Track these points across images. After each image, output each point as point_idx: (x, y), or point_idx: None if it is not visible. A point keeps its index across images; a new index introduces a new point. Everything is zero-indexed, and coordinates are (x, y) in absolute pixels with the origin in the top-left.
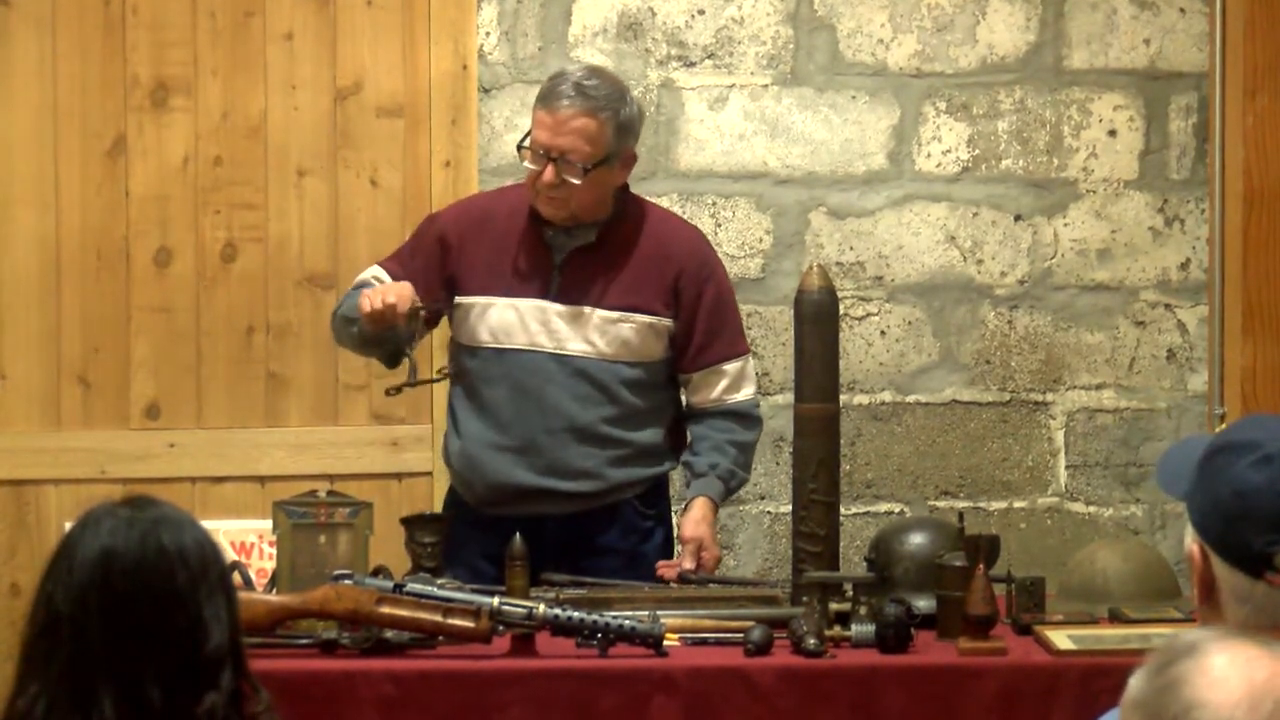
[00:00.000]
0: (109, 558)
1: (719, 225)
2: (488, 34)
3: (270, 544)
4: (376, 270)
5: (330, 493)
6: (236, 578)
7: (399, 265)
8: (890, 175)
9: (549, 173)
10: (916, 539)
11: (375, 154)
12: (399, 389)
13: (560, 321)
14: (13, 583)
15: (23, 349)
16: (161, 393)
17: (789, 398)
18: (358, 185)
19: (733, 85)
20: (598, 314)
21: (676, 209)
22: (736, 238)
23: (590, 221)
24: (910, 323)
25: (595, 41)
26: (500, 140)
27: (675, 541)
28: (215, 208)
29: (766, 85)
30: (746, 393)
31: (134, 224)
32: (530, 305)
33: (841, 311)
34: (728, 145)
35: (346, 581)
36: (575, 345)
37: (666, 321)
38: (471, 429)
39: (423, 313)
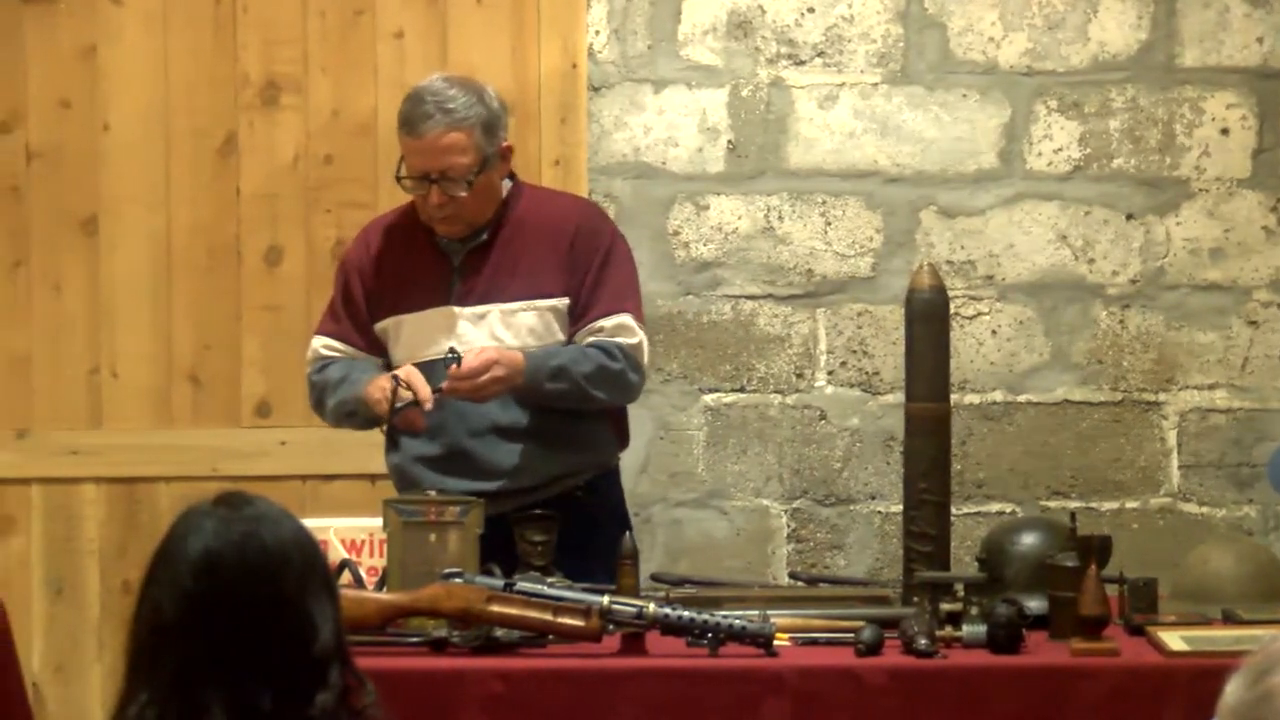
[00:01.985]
0: (213, 561)
1: (829, 224)
2: (597, 32)
3: (380, 542)
4: (323, 341)
5: (440, 491)
6: (346, 576)
7: (334, 323)
8: (1001, 174)
9: (435, 195)
10: (1028, 539)
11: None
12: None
13: (466, 324)
14: (124, 580)
15: (134, 347)
16: (272, 390)
17: (899, 397)
18: None
19: (843, 84)
20: (499, 309)
21: (786, 208)
22: (846, 236)
23: (482, 221)
24: (1021, 322)
25: (704, 40)
26: (609, 139)
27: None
28: (325, 206)
29: (876, 83)
30: (621, 341)
31: (244, 222)
32: (436, 314)
33: (952, 311)
34: (837, 144)
35: (457, 580)
36: (482, 344)
37: (563, 301)
38: (404, 444)
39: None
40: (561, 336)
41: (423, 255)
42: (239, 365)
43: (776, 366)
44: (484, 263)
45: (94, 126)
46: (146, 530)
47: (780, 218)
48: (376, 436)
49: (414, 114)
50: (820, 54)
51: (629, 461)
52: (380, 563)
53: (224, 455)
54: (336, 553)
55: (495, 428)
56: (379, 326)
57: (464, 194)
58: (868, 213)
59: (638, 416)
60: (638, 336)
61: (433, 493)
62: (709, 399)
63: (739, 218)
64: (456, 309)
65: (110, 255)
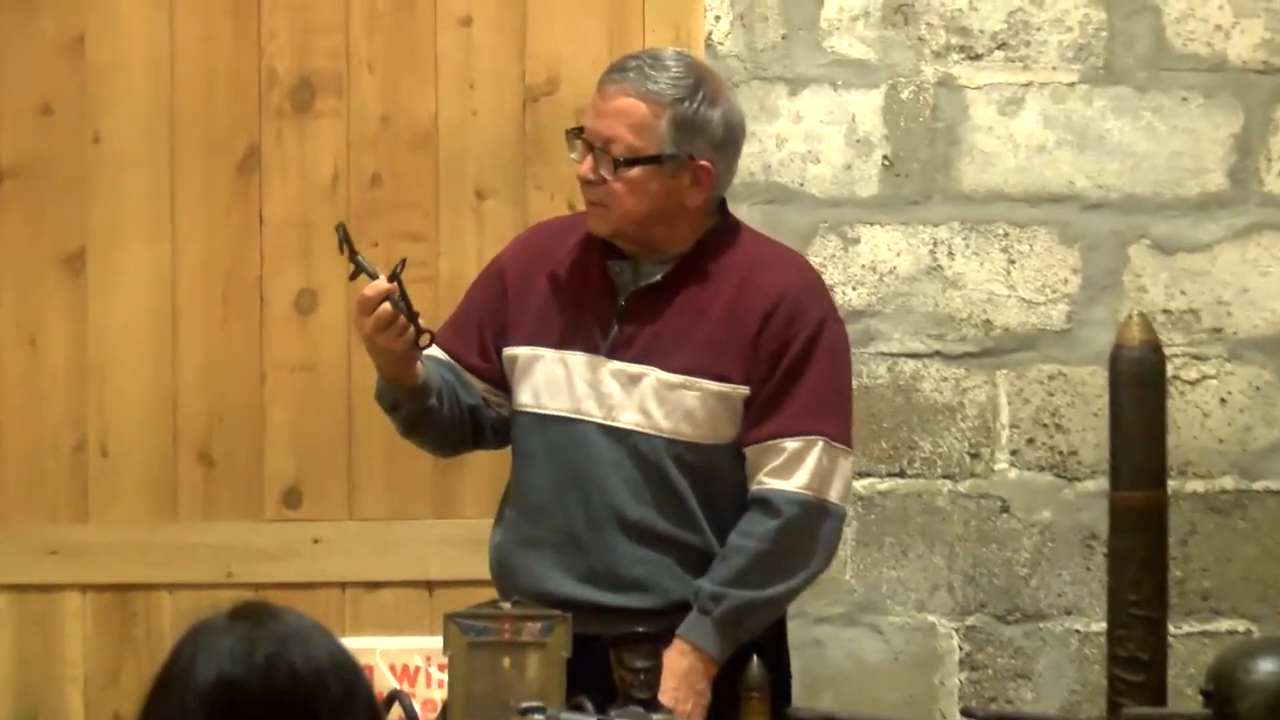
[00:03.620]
0: (230, 690)
1: (1012, 262)
2: (718, 18)
3: (441, 668)
4: (430, 351)
5: (516, 603)
6: (397, 710)
7: (453, 329)
8: (1232, 198)
9: (585, 164)
10: (1267, 666)
11: (575, 170)
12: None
13: (614, 384)
14: (115, 713)
15: (130, 416)
16: (304, 474)
17: (1102, 484)
18: (552, 210)
19: (1029, 83)
20: (657, 376)
21: (958, 240)
22: (1034, 278)
23: (664, 254)
24: (1258, 388)
25: (854, 27)
26: None
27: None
28: (372, 238)
29: (1073, 83)
30: (797, 481)
31: (270, 258)
32: (581, 360)
33: (1170, 373)
34: (1023, 160)
35: (537, 716)
36: (628, 415)
37: (742, 390)
38: (508, 519)
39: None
40: (727, 433)
41: (588, 282)
42: (262, 441)
43: (946, 444)
44: (653, 310)
45: (81, 137)
46: (144, 650)
47: (950, 254)
48: (432, 533)
49: (613, 66)
50: (1001, 45)
51: None
52: (440, 694)
53: (242, 556)
54: (384, 681)
55: (621, 521)
56: (508, 354)
57: (607, 175)
58: (1061, 248)
59: None
60: (821, 477)
61: (506, 605)
62: (859, 486)
63: (897, 254)
64: (607, 361)
65: (101, 300)
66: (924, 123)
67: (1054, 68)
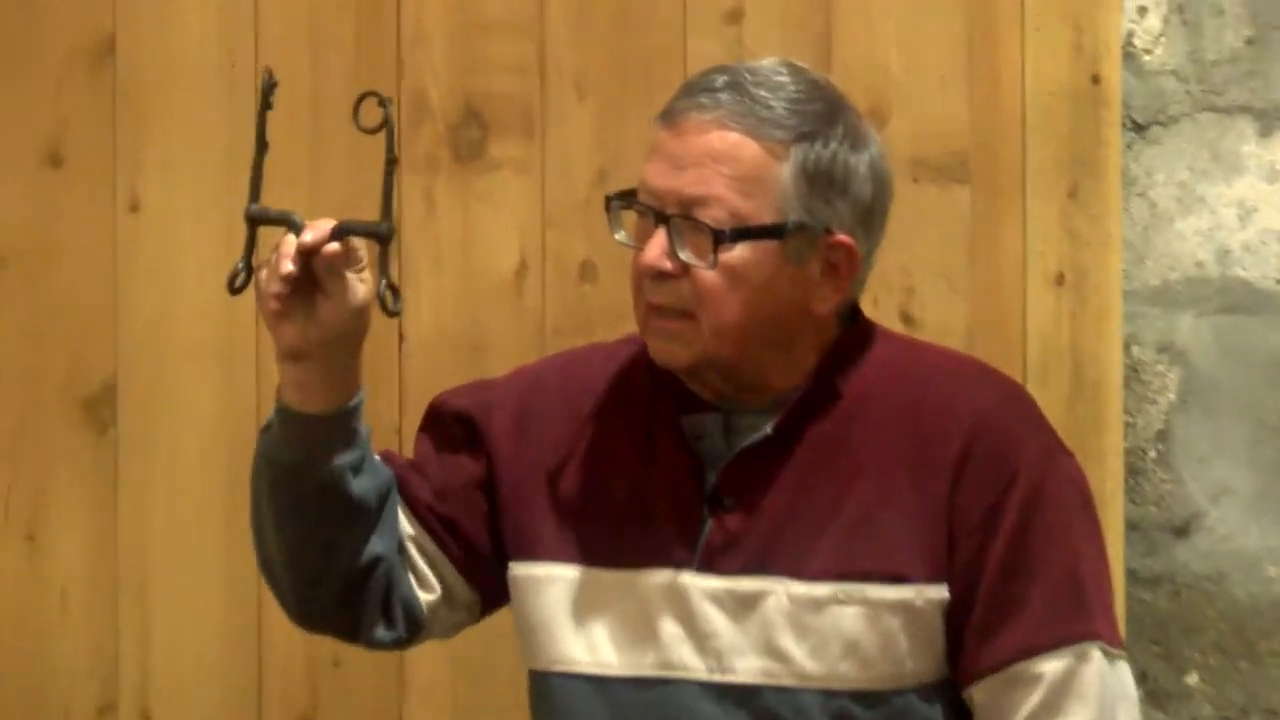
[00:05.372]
0: None
1: None
2: (1143, 10)
3: None
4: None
5: None
6: None
7: (418, 468)
8: None
9: (653, 246)
10: None
11: (915, 253)
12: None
13: (718, 614)
14: None
15: (187, 659)
16: None
17: None
18: (880, 315)
19: None
20: (788, 591)
21: None
22: None
23: (771, 394)
24: None
25: None
26: (1168, 229)
27: None
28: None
29: None
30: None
31: (411, 392)
32: (658, 583)
33: None
34: None
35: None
36: (749, 662)
37: (935, 592)
38: None
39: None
40: (925, 673)
41: (651, 451)
42: (400, 698)
43: None
44: (766, 486)
45: (108, 201)
46: None
47: None
48: None
49: (690, 84)
50: None
51: None
52: None
53: None
54: None
55: None
56: (524, 574)
57: (696, 262)
58: None
59: None
60: (1122, 694)
61: None
62: None
63: None
64: (702, 577)
65: (137, 464)
66: None
67: None
